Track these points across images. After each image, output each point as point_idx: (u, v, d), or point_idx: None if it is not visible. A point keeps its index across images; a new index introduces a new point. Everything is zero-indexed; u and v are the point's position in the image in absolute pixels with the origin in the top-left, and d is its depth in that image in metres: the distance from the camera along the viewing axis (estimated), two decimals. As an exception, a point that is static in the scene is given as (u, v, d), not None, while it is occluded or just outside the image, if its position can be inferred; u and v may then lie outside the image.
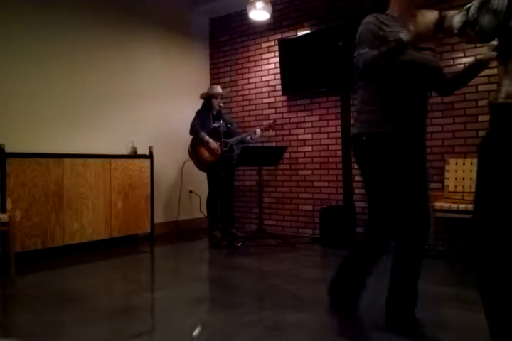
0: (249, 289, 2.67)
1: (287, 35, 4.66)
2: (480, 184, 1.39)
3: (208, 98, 4.42)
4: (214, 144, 4.22)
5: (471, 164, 3.41)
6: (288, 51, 4.54)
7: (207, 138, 4.22)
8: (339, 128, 4.11)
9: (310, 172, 4.49)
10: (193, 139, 4.33)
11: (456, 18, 1.34)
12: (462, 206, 3.16)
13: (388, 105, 1.84)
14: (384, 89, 1.84)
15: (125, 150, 4.20)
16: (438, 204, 3.29)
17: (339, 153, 4.17)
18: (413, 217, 1.90)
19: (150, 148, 4.30)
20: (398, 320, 1.93)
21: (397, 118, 1.84)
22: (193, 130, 4.29)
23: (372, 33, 1.79)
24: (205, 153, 4.27)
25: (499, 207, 1.31)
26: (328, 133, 4.36)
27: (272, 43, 4.79)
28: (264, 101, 4.88)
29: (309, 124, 4.50)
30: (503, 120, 1.33)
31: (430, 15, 1.48)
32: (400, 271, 1.94)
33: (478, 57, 1.89)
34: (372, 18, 1.84)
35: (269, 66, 4.83)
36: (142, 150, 4.26)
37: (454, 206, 3.20)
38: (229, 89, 5.15)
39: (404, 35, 1.61)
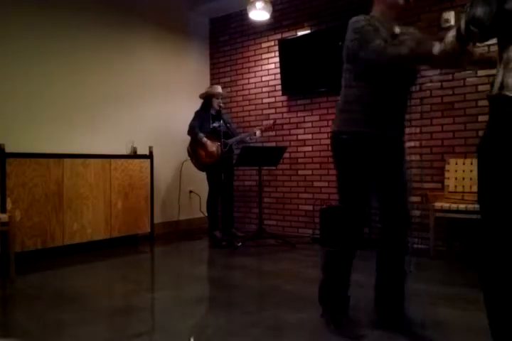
0: (249, 289, 2.67)
1: (287, 35, 4.66)
2: (480, 181, 1.35)
3: (207, 98, 4.41)
4: (212, 147, 4.21)
5: (471, 164, 3.41)
6: (288, 51, 4.54)
7: (205, 139, 4.22)
8: (339, 128, 4.10)
9: (310, 172, 4.49)
10: (191, 139, 4.33)
11: (462, 21, 1.33)
12: (462, 206, 3.16)
13: (373, 106, 1.86)
14: (371, 90, 1.85)
15: (125, 150, 4.20)
16: (438, 204, 3.29)
17: (339, 153, 4.17)
18: (391, 215, 1.94)
19: (150, 148, 4.30)
20: (388, 317, 1.94)
21: (379, 119, 1.87)
22: (191, 131, 4.28)
23: (373, 28, 1.80)
24: (204, 155, 4.26)
25: (502, 206, 1.28)
26: (328, 133, 4.35)
27: (272, 43, 4.79)
28: (264, 101, 4.88)
29: (309, 124, 4.50)
30: (497, 113, 1.29)
31: (451, 33, 1.44)
32: (384, 269, 1.98)
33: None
34: (362, 17, 1.86)
35: (269, 66, 4.83)
36: (142, 150, 4.26)
37: (454, 206, 3.20)
38: (229, 89, 5.15)
39: (435, 48, 1.56)
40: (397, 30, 1.94)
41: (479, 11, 1.25)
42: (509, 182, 1.26)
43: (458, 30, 1.38)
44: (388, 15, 1.91)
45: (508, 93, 1.23)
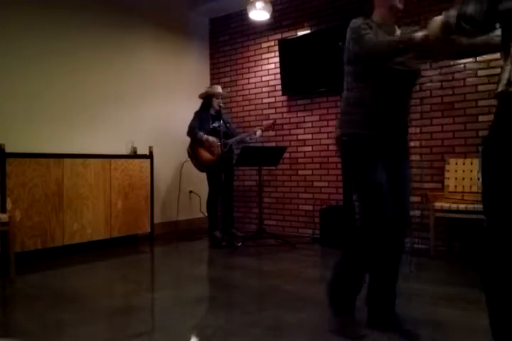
0: (249, 289, 2.66)
1: (287, 35, 4.66)
2: (485, 180, 1.32)
3: (207, 98, 4.41)
4: (214, 142, 4.21)
5: (471, 164, 3.42)
6: (288, 51, 4.54)
7: (205, 136, 4.21)
8: (339, 128, 4.11)
9: (310, 172, 4.49)
10: (191, 140, 4.32)
11: (452, 13, 1.32)
12: (462, 206, 3.16)
13: (374, 107, 1.86)
14: (372, 91, 1.86)
15: (125, 150, 4.20)
16: (438, 204, 3.29)
17: (339, 153, 4.18)
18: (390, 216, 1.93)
19: (150, 148, 4.30)
20: (379, 317, 1.94)
21: (379, 121, 1.87)
22: (191, 132, 4.27)
23: (369, 27, 1.81)
24: (205, 154, 4.26)
25: (507, 207, 1.25)
26: (328, 133, 4.36)
27: (272, 43, 4.79)
28: (264, 101, 4.88)
29: (309, 124, 4.50)
30: (503, 111, 1.25)
31: (438, 20, 1.43)
32: (379, 268, 1.97)
33: None
34: (361, 19, 1.87)
35: (269, 66, 4.83)
36: (142, 150, 4.26)
37: (454, 206, 3.20)
38: (229, 89, 5.15)
39: (418, 35, 1.57)
40: (398, 33, 1.94)
41: (470, 8, 1.25)
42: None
43: (446, 23, 1.37)
44: (389, 19, 1.92)
45: None
